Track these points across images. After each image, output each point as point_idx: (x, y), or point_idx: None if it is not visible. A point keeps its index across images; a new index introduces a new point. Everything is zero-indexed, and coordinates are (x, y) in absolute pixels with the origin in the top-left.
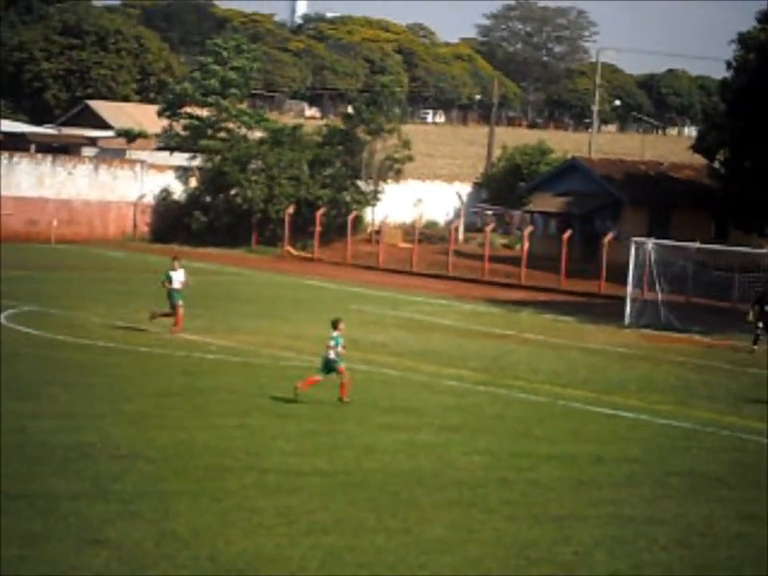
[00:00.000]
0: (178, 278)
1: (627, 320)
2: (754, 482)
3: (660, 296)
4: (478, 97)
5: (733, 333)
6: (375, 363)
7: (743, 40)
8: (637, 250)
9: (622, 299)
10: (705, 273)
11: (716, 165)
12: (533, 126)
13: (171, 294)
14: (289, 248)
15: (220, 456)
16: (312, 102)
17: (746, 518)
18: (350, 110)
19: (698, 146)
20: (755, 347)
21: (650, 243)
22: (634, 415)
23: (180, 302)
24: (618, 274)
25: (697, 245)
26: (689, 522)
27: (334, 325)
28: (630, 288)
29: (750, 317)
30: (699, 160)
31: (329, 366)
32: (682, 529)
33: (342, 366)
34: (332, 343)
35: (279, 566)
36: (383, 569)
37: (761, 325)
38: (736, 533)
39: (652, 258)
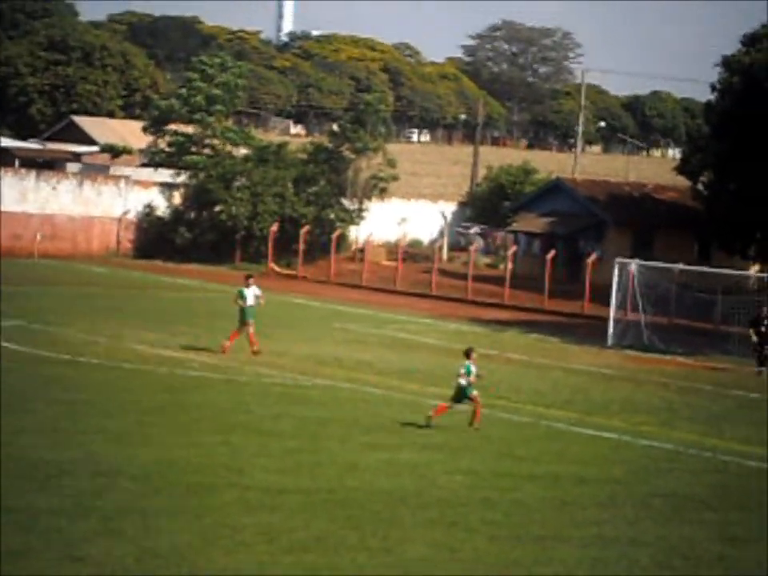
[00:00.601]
0: (252, 292)
1: (610, 341)
2: (736, 504)
3: (643, 317)
4: (463, 116)
5: (715, 354)
6: (358, 382)
7: (728, 63)
8: (620, 270)
9: (606, 320)
10: (688, 294)
11: (700, 187)
12: (530, 146)
13: (244, 311)
14: (273, 265)
15: (202, 473)
16: (297, 120)
17: (728, 541)
18: (335, 128)
19: (681, 168)
20: (763, 368)
21: (634, 264)
22: (616, 436)
23: (251, 320)
24: (601, 295)
25: (680, 266)
26: (671, 543)
27: (467, 354)
28: (613, 309)
29: (753, 338)
30: (683, 182)
31: (461, 395)
32: (664, 551)
33: (475, 393)
34: (462, 371)
35: None
36: None
37: (762, 346)
38: (718, 555)
39: (635, 279)
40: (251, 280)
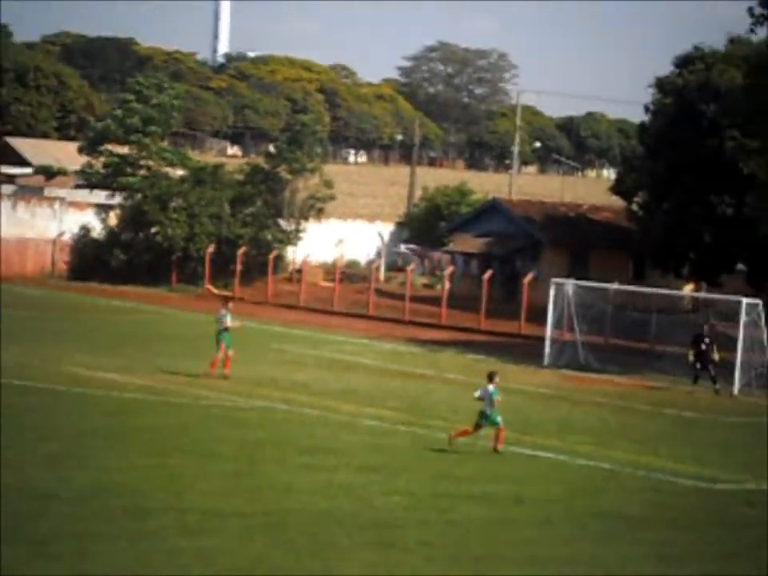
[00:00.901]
0: (226, 320)
1: (546, 360)
2: (670, 523)
3: (579, 337)
4: (399, 137)
5: (650, 373)
6: (295, 403)
7: (661, 84)
8: (556, 290)
9: (542, 340)
10: (623, 314)
11: (634, 207)
12: (470, 167)
13: (220, 333)
14: (209, 286)
15: (139, 497)
16: (234, 141)
17: (663, 559)
18: (271, 148)
19: (616, 189)
20: (694, 387)
21: (569, 284)
22: (553, 455)
23: (224, 344)
24: (537, 315)
25: (615, 286)
26: (606, 562)
27: (490, 378)
28: (549, 329)
29: (690, 357)
30: (618, 202)
31: (483, 419)
32: (599, 570)
33: (499, 418)
34: (478, 393)
35: None
36: None
37: (699, 365)
38: (652, 574)
39: (571, 299)
40: (230, 304)
